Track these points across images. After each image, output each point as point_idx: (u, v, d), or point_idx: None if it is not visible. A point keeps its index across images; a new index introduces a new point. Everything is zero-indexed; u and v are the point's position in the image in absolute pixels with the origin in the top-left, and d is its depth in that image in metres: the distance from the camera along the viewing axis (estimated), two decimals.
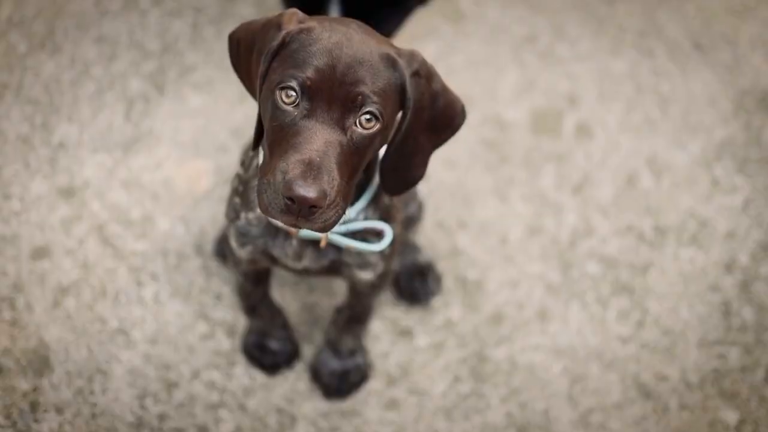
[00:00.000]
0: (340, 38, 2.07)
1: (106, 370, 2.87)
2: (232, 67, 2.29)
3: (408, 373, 2.96)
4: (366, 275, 2.48)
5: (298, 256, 2.42)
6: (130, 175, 3.18)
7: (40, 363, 2.87)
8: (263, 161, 2.16)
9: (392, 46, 2.15)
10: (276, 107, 2.07)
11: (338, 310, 2.80)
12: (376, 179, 2.35)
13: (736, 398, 2.97)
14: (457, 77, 3.43)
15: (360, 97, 2.06)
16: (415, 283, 3.05)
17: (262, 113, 2.14)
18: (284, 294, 3.03)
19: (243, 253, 2.49)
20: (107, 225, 3.09)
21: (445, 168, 3.28)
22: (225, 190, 3.15)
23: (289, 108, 2.07)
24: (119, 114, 3.30)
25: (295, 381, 2.92)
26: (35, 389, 2.83)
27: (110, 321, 2.95)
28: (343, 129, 2.07)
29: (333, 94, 2.05)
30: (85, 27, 3.46)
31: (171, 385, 2.87)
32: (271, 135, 2.09)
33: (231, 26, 3.51)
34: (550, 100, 3.45)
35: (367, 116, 2.07)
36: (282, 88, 2.06)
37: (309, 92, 2.05)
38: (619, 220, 3.24)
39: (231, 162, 3.21)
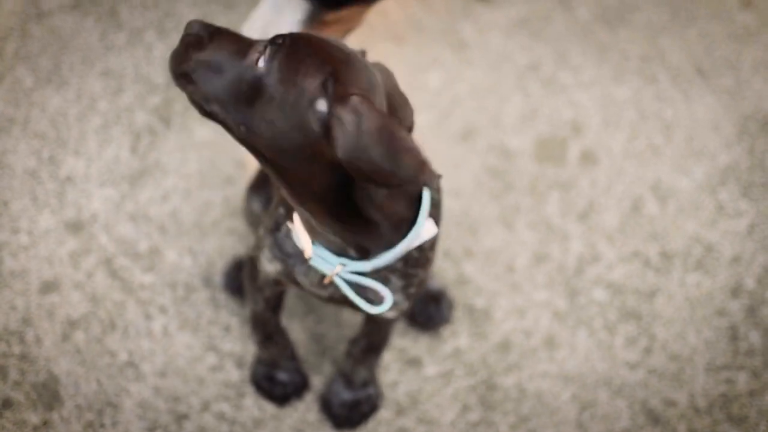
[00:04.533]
0: None
1: (116, 403, 2.88)
2: None
3: (417, 402, 2.96)
4: (389, 313, 2.42)
5: (322, 285, 2.34)
6: (137, 208, 3.20)
7: (50, 397, 2.88)
8: None
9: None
10: None
11: (353, 341, 2.77)
12: (408, 238, 2.19)
13: (745, 423, 2.97)
14: (461, 106, 3.45)
15: None
16: (430, 309, 3.03)
17: None
18: (292, 325, 3.04)
19: (272, 267, 2.42)
20: (115, 258, 3.11)
21: (450, 197, 3.29)
22: (232, 222, 3.17)
23: None
24: (126, 147, 3.31)
25: (304, 412, 2.92)
26: (45, 423, 2.84)
27: (119, 354, 2.96)
28: None
29: None
30: (91, 61, 3.48)
31: (181, 417, 2.87)
32: None
33: None
34: (554, 127, 3.47)
35: None
36: None
37: None
38: (624, 246, 3.25)
39: (238, 193, 3.22)
